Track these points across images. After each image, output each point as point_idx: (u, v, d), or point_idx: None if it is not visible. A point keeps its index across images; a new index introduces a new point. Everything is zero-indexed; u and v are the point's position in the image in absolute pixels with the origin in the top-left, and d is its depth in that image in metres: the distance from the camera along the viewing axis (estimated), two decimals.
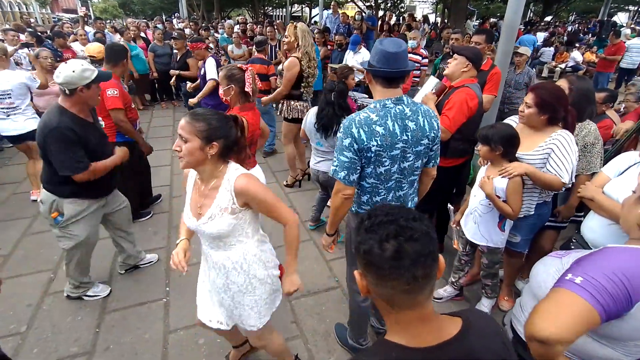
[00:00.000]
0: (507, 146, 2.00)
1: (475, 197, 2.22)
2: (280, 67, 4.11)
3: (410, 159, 1.65)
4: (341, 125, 1.61)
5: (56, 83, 2.08)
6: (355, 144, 1.55)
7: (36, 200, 3.59)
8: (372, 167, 1.62)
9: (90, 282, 2.59)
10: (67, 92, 2.08)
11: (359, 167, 1.61)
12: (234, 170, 1.47)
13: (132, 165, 3.34)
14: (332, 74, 5.65)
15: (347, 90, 2.94)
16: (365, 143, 1.54)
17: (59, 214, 2.26)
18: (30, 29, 7.17)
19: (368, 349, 0.84)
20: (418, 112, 1.63)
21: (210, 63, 4.28)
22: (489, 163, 2.17)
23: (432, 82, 2.88)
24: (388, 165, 1.62)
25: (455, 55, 2.54)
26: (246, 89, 2.33)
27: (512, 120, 2.27)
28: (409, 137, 1.60)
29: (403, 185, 1.74)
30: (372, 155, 1.57)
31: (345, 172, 1.59)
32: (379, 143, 1.55)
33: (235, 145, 1.49)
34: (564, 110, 1.99)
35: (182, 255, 1.58)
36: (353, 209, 1.80)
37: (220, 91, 2.37)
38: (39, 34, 6.87)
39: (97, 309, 2.50)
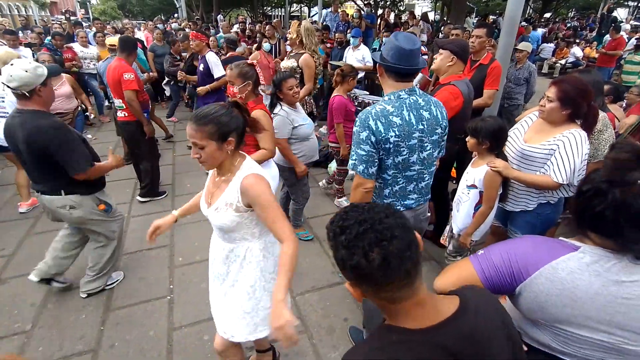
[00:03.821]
0: (494, 141, 2.00)
1: (460, 186, 2.24)
2: (283, 64, 4.09)
3: (428, 148, 1.68)
4: (357, 118, 1.62)
5: (9, 88, 1.96)
6: (372, 136, 1.55)
7: (25, 212, 3.66)
8: (391, 158, 1.62)
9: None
10: (26, 94, 2.00)
11: (377, 160, 1.61)
12: (247, 168, 1.43)
13: (152, 148, 3.87)
14: (332, 71, 5.69)
15: (281, 83, 2.66)
16: (384, 134, 1.55)
17: (104, 205, 2.32)
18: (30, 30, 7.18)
19: (369, 336, 0.86)
20: (430, 102, 1.68)
21: (213, 58, 4.27)
22: (477, 155, 2.15)
23: (416, 77, 2.89)
24: (406, 155, 1.63)
25: (441, 50, 2.49)
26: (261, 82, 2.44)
27: (533, 114, 2.15)
28: (425, 126, 1.63)
29: (425, 176, 1.76)
30: (391, 146, 1.58)
31: (364, 165, 1.60)
32: (397, 133, 1.56)
33: (245, 131, 1.46)
34: (587, 106, 1.84)
35: (153, 228, 1.69)
36: None
37: (235, 89, 2.32)
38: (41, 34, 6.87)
39: (101, 307, 2.50)
